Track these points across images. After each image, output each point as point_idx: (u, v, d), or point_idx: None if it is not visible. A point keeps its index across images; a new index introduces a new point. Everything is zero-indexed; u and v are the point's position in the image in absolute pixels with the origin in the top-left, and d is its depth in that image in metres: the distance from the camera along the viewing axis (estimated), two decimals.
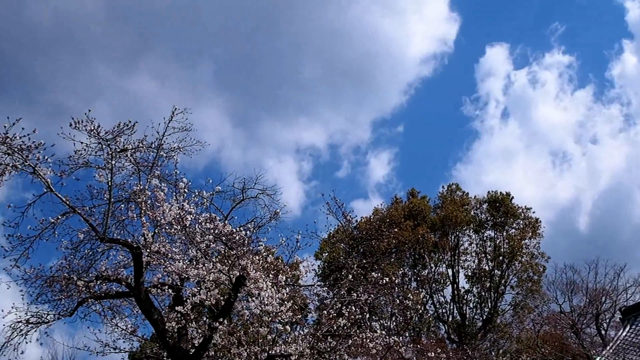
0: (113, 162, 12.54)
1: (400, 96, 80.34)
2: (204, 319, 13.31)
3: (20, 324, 13.07)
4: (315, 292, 18.28)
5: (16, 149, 11.68)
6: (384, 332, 15.93)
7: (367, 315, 15.61)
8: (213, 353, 14.60)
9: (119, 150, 12.43)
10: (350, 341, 14.79)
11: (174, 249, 12.70)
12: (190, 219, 11.85)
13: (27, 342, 13.27)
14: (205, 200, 12.91)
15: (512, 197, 38.42)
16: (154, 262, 12.77)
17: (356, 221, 28.01)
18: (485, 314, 37.46)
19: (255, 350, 14.06)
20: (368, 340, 14.63)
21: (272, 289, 12.37)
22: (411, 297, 18.44)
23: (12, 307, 13.06)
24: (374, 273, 15.99)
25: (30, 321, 13.13)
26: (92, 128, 12.12)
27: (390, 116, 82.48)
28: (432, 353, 17.21)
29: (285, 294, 12.73)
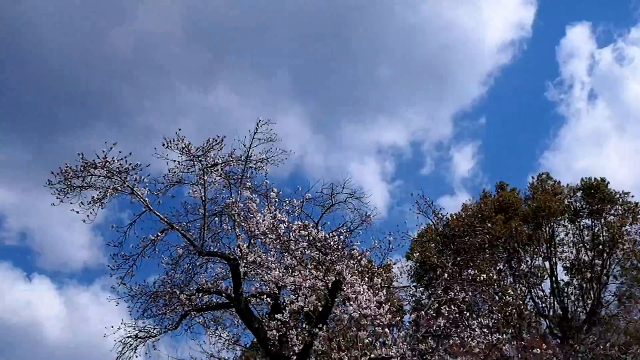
0: (205, 178, 12.93)
1: (480, 87, 78.33)
2: (304, 326, 13.44)
3: (130, 338, 13.70)
4: (410, 293, 18.02)
5: (115, 172, 12.28)
6: (484, 330, 15.52)
7: (466, 314, 15.22)
8: (314, 359, 14.71)
9: (209, 165, 12.80)
10: (450, 341, 14.51)
11: (269, 258, 12.91)
12: (283, 227, 12.00)
13: (137, 357, 13.93)
14: (295, 208, 13.04)
15: (608, 183, 36.44)
16: (251, 272, 13.04)
17: (446, 218, 27.50)
18: (588, 306, 35.73)
19: (356, 354, 14.02)
20: (469, 339, 14.30)
21: (369, 292, 12.34)
22: (511, 292, 17.86)
23: (121, 323, 13.71)
24: (469, 270, 15.62)
25: (139, 336, 13.73)
26: (184, 146, 12.56)
27: (470, 109, 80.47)
28: (537, 349, 16.58)
29: (382, 297, 12.67)
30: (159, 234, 12.94)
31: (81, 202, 12.25)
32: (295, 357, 13.07)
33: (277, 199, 12.76)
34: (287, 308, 12.81)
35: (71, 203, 12.26)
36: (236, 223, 12.94)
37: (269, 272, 12.58)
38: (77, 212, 12.16)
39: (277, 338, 13.11)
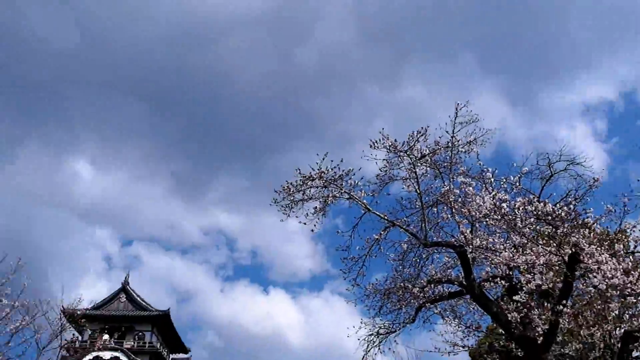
0: (415, 170, 13.02)
1: None
2: (546, 304, 12.86)
3: (372, 336, 14.28)
4: None
5: (330, 180, 12.91)
6: None
7: None
8: (560, 338, 14.01)
9: (418, 158, 12.87)
10: None
11: (495, 240, 12.60)
12: (506, 206, 11.62)
13: (381, 353, 14.48)
14: (514, 185, 12.59)
15: None
16: (480, 257, 12.84)
17: None
18: None
19: (608, 328, 13.08)
20: None
21: (612, 261, 11.42)
22: None
23: (361, 323, 14.34)
24: None
25: (380, 332, 14.25)
26: (390, 144, 12.79)
27: None
28: None
29: (628, 264, 11.65)
30: (382, 233, 13.31)
31: (306, 214, 13.08)
32: (541, 338, 12.57)
33: (492, 179, 12.44)
34: (523, 288, 12.36)
35: (296, 217, 13.16)
36: (454, 210, 12.83)
37: (497, 254, 12.26)
38: (304, 224, 13.01)
39: (518, 320, 12.72)
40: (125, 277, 61.75)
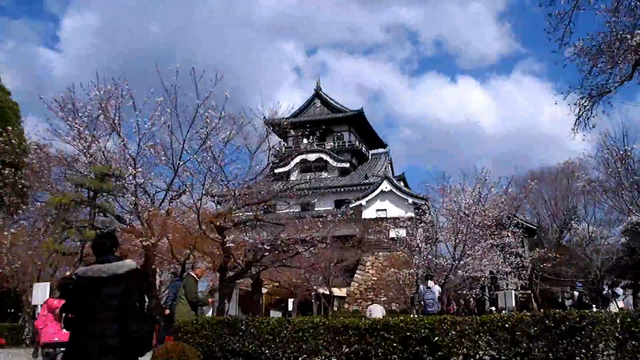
0: None
1: None
2: None
3: (583, 99, 13.07)
4: None
5: None
6: None
7: None
8: None
9: None
10: None
11: None
12: None
13: (593, 117, 13.31)
14: None
15: None
16: None
17: None
18: None
19: None
20: None
21: None
22: None
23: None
24: None
25: (592, 94, 12.98)
26: None
27: None
28: None
29: None
30: None
31: None
32: None
33: None
34: None
35: None
36: None
37: None
38: None
39: None
40: (317, 83, 64.10)
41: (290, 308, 36.37)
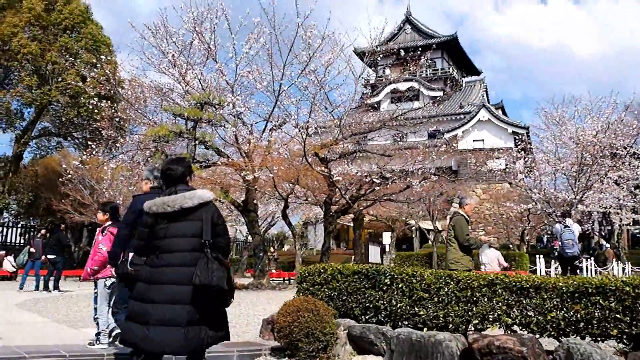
0: None
1: None
2: None
3: None
4: None
5: None
6: None
7: None
8: None
9: None
10: None
11: None
12: None
13: None
14: None
15: None
16: None
17: None
18: None
19: None
20: None
21: None
22: None
23: None
24: None
25: None
26: None
27: None
28: None
29: None
30: None
31: None
32: None
33: None
34: None
35: None
36: None
37: None
38: None
39: None
40: (407, 8, 60.47)
41: (385, 242, 35.09)
